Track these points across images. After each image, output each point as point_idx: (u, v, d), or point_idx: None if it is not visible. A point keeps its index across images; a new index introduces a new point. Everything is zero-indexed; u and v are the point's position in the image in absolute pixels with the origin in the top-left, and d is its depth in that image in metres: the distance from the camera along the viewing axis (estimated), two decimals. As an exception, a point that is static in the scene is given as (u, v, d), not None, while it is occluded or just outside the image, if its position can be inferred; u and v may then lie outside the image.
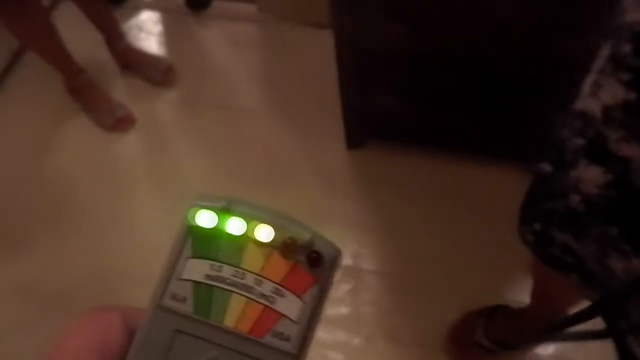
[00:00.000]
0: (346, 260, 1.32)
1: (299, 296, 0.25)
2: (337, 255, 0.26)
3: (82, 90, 1.63)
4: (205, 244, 0.26)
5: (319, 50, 1.48)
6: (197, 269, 0.25)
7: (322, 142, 1.54)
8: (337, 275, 0.26)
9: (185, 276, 0.25)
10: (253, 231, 0.25)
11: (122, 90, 1.71)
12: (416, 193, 1.42)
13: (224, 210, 0.26)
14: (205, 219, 0.25)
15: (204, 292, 0.25)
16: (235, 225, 0.25)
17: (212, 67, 1.78)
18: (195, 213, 0.26)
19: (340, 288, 1.30)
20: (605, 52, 0.58)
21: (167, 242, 0.26)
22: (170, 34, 1.88)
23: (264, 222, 0.25)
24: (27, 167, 1.59)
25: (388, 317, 1.26)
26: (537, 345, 1.17)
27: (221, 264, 0.25)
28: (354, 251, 1.35)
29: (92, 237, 1.44)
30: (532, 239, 0.74)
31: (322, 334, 1.19)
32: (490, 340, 1.13)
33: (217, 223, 0.26)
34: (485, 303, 1.18)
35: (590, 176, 0.60)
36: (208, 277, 0.25)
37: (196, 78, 1.73)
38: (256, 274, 0.25)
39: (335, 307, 1.27)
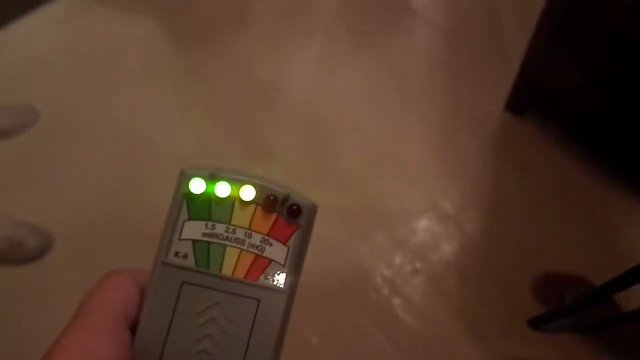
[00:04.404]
0: (446, 208, 1.34)
1: (283, 243, 0.30)
2: (312, 206, 0.30)
3: None
4: (199, 207, 0.30)
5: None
6: (194, 229, 0.30)
7: (482, 87, 1.52)
8: (315, 223, 0.31)
9: (184, 236, 0.30)
10: (238, 192, 0.30)
11: None
12: (544, 185, 1.37)
13: (212, 177, 0.30)
14: (196, 186, 0.30)
15: (202, 248, 0.30)
16: (222, 189, 0.30)
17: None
18: (187, 182, 0.30)
19: (428, 223, 1.32)
20: None
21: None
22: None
23: (247, 184, 0.30)
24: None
25: (445, 269, 1.27)
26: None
27: (214, 223, 0.30)
28: (458, 204, 1.35)
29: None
30: None
31: (383, 243, 1.28)
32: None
33: (207, 188, 0.30)
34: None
35: None
36: (204, 234, 0.30)
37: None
38: (245, 228, 0.30)
39: (412, 234, 1.30)
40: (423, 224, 1.32)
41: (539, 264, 1.24)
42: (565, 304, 1.16)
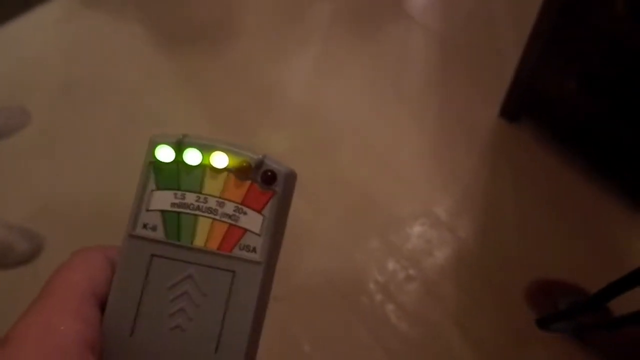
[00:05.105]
0: (440, 214, 1.33)
1: (258, 212, 0.28)
2: (288, 171, 0.29)
3: None
4: (167, 176, 0.28)
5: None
6: (162, 199, 0.28)
7: (477, 93, 1.52)
8: (294, 191, 0.29)
9: (152, 207, 0.28)
10: (209, 159, 0.28)
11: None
12: (538, 191, 1.36)
13: (180, 144, 0.28)
14: (164, 154, 0.28)
15: (172, 219, 0.28)
16: (192, 156, 0.28)
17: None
18: (154, 150, 0.28)
19: (422, 229, 1.31)
20: None
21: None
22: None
23: (218, 150, 0.28)
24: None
25: (438, 275, 1.26)
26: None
27: (184, 192, 0.28)
28: (452, 210, 1.34)
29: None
30: None
31: (377, 248, 1.27)
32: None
33: (175, 156, 0.28)
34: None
35: None
36: (174, 205, 0.28)
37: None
38: (217, 197, 0.28)
39: (406, 239, 1.29)
40: (417, 229, 1.31)
41: (533, 271, 1.23)
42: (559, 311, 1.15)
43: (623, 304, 0.94)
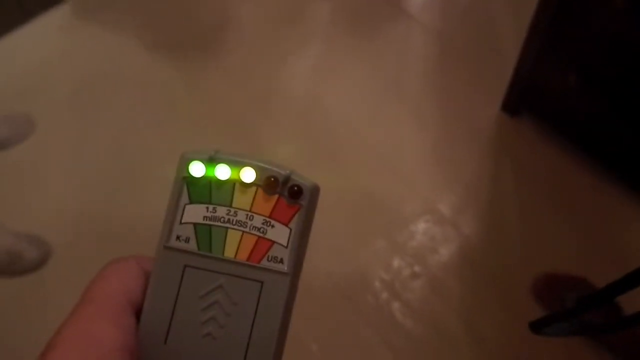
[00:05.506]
0: (444, 210, 1.34)
1: (285, 225, 0.30)
2: (314, 186, 0.30)
3: None
4: (199, 190, 0.30)
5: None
6: (195, 213, 0.30)
7: (478, 89, 1.53)
8: (317, 204, 0.31)
9: (185, 220, 0.30)
10: (238, 175, 0.30)
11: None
12: (540, 186, 1.37)
13: (211, 160, 0.30)
14: (196, 169, 0.30)
15: (204, 231, 0.30)
16: (222, 172, 0.30)
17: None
18: (186, 165, 0.30)
19: (426, 226, 1.32)
20: None
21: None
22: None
23: (246, 166, 0.30)
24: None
25: (443, 272, 1.27)
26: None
27: (215, 206, 0.30)
28: (455, 206, 1.35)
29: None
30: None
31: (382, 246, 1.28)
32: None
33: (206, 171, 0.30)
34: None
35: None
36: (205, 218, 0.30)
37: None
38: (247, 211, 0.30)
39: (410, 237, 1.30)
40: (421, 227, 1.32)
41: (538, 266, 1.24)
42: (566, 306, 1.16)
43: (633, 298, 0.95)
